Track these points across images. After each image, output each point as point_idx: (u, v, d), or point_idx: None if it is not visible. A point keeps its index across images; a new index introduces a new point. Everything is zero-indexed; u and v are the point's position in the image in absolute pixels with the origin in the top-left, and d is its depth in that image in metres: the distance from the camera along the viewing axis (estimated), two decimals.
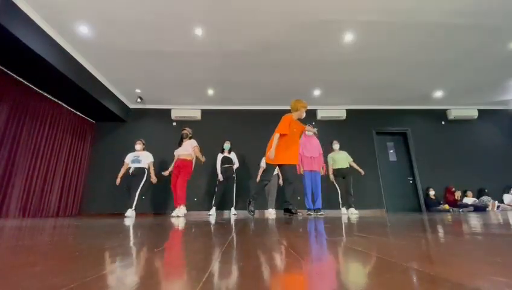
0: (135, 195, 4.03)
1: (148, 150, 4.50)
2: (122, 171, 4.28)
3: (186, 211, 4.05)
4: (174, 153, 4.27)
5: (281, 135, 3.11)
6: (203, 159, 4.14)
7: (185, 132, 4.30)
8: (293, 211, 3.17)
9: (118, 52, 4.25)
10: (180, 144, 4.23)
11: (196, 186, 5.57)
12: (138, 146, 4.37)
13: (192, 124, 6.01)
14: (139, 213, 4.40)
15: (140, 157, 4.25)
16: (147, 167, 4.26)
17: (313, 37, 3.94)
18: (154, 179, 4.22)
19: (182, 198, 3.99)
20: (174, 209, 4.03)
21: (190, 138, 4.30)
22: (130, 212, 3.93)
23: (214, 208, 4.80)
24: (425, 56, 4.48)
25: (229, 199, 5.05)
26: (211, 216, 4.22)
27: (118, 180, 4.22)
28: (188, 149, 4.15)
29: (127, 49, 4.15)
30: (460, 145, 6.27)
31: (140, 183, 4.10)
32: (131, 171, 4.19)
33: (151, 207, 5.58)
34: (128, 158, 4.30)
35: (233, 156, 5.00)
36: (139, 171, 4.16)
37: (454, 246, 0.74)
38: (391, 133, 6.46)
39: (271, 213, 4.26)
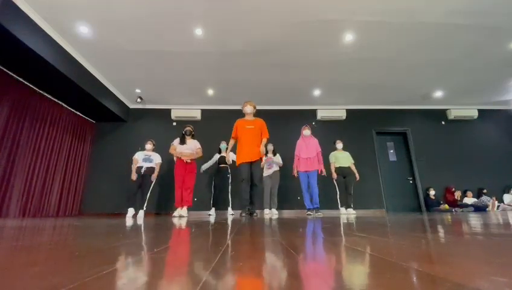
0: (147, 195, 4.12)
1: None
2: (135, 167, 4.20)
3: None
4: (175, 144, 4.16)
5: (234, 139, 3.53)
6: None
7: (188, 128, 4.29)
8: (245, 212, 3.36)
9: (118, 52, 4.24)
10: (183, 141, 4.16)
11: (196, 187, 5.54)
12: (148, 146, 4.41)
13: (192, 124, 5.98)
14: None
15: (151, 157, 4.31)
16: (157, 167, 4.32)
17: (313, 37, 3.94)
18: (154, 178, 4.26)
19: (190, 201, 4.06)
20: (175, 210, 4.04)
21: (193, 136, 4.31)
22: (142, 213, 4.05)
23: (213, 209, 4.82)
24: (425, 56, 4.47)
25: (226, 199, 4.99)
26: (211, 216, 4.22)
27: (134, 176, 4.11)
28: (192, 148, 4.15)
29: (126, 49, 4.15)
30: (460, 145, 6.26)
31: (152, 184, 4.21)
32: (143, 170, 4.17)
33: (152, 207, 5.57)
34: (139, 156, 4.27)
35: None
36: (151, 171, 4.22)
37: (454, 246, 0.74)
38: (391, 133, 6.45)
39: (271, 213, 4.24)
